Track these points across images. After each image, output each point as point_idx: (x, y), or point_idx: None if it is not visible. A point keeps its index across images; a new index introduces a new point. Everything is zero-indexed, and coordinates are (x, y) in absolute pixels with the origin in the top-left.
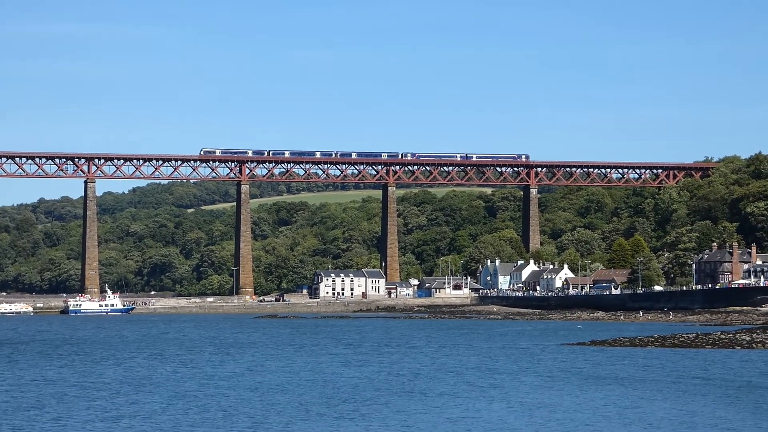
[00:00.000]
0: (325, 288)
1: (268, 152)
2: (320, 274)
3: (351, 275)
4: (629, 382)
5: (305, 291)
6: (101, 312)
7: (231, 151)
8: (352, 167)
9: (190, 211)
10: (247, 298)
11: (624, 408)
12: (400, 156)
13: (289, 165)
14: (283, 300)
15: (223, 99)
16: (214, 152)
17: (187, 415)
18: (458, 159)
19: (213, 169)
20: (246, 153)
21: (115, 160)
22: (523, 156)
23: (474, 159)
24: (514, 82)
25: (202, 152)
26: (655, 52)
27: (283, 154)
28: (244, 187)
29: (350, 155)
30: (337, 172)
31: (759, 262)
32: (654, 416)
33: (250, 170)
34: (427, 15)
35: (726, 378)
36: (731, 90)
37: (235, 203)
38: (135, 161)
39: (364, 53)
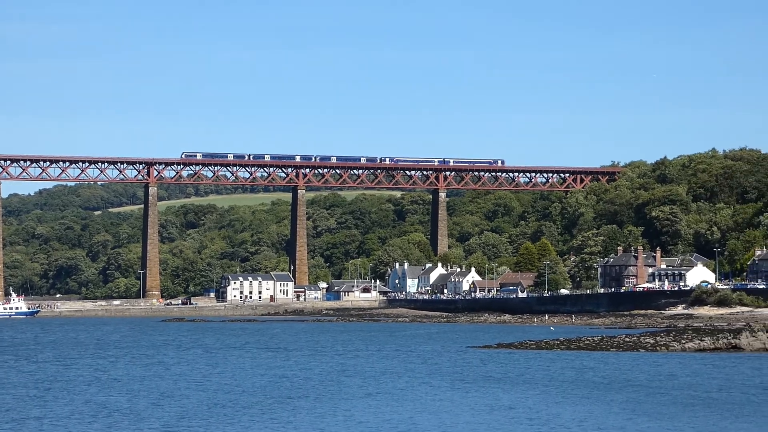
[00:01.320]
0: (232, 291)
1: (239, 155)
2: (228, 278)
3: (259, 278)
4: (537, 385)
5: (213, 294)
6: (5, 315)
7: (211, 154)
8: (262, 170)
9: (97, 213)
10: (154, 301)
11: (532, 410)
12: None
13: (197, 167)
14: (191, 303)
15: (132, 100)
16: (195, 155)
17: (96, 418)
18: (367, 162)
19: (121, 171)
20: (226, 156)
21: (22, 162)
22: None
23: (386, 162)
24: (425, 85)
25: (183, 155)
26: (563, 56)
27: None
28: (152, 189)
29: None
30: (247, 175)
31: (663, 266)
32: (562, 418)
33: (158, 172)
34: (338, 17)
35: (630, 380)
36: (638, 95)
37: (142, 206)
38: (42, 162)
39: (274, 54)
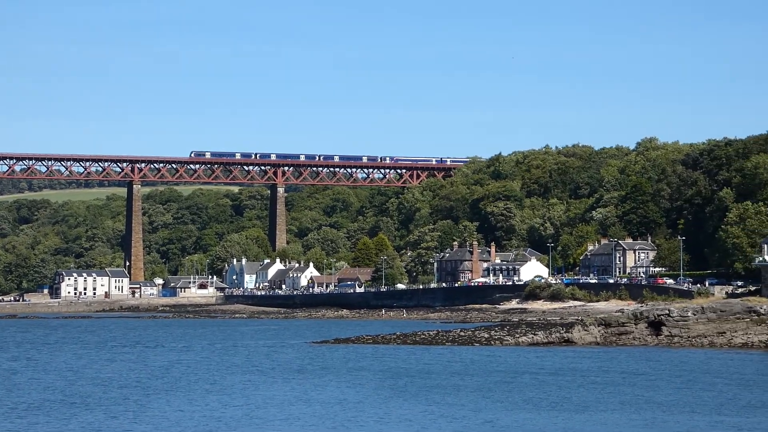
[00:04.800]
0: (66, 288)
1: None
2: (62, 274)
3: (94, 275)
4: (378, 378)
5: (46, 291)
6: None
7: (219, 153)
8: (97, 164)
9: None
10: None
11: (377, 403)
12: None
13: (30, 162)
14: (23, 300)
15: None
16: (204, 154)
17: None
18: (206, 157)
19: None
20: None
21: None
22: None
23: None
24: (269, 79)
25: (192, 154)
26: (401, 53)
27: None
28: None
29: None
30: (81, 170)
31: (498, 261)
32: (403, 412)
33: None
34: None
35: (464, 372)
36: (472, 92)
37: None
38: None
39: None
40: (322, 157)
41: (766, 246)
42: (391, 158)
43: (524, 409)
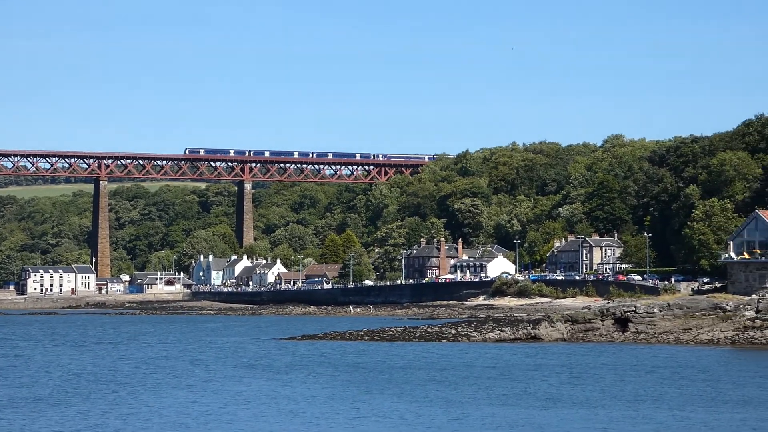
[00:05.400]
0: (33, 284)
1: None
2: (28, 270)
3: (60, 271)
4: (346, 374)
5: (12, 287)
6: None
7: (213, 149)
8: (63, 161)
9: None
10: None
11: (345, 399)
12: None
13: None
14: None
15: None
16: (198, 151)
17: None
18: (172, 153)
19: None
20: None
21: None
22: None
23: (193, 154)
24: (228, 73)
25: (186, 151)
26: (367, 50)
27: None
28: None
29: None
30: (47, 166)
31: (465, 258)
32: (372, 408)
33: None
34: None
35: (435, 368)
36: (442, 89)
37: None
38: None
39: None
40: (315, 155)
41: (731, 243)
42: (384, 155)
43: (493, 404)
